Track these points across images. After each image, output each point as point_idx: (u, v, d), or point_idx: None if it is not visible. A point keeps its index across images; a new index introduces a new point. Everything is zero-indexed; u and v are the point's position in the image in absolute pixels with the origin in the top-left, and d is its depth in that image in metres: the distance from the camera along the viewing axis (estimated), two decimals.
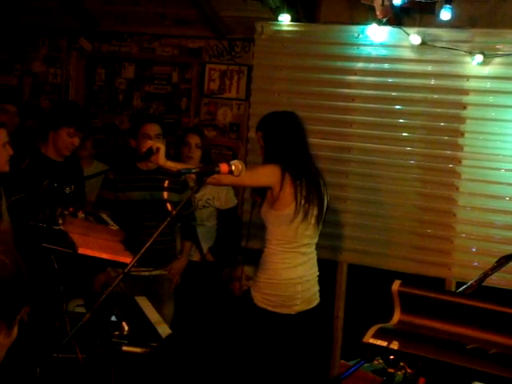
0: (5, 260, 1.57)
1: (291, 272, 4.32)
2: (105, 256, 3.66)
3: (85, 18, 6.49)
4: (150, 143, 4.16)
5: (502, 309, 2.19)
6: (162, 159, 4.05)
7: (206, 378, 4.40)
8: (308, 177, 4.28)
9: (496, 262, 2.86)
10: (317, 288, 4.47)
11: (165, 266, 5.11)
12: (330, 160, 5.48)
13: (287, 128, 4.39)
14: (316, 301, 4.46)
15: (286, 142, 4.33)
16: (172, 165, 4.05)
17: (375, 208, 5.34)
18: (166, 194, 3.46)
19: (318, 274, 4.48)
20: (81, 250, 3.57)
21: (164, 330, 3.52)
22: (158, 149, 3.99)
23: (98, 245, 3.73)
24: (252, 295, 4.37)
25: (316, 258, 4.46)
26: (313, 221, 4.30)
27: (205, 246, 5.46)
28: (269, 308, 4.35)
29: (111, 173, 5.04)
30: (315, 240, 4.43)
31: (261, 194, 4.38)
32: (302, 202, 4.23)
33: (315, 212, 4.30)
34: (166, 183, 3.58)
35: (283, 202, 4.26)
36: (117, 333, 3.30)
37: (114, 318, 3.45)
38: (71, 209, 3.93)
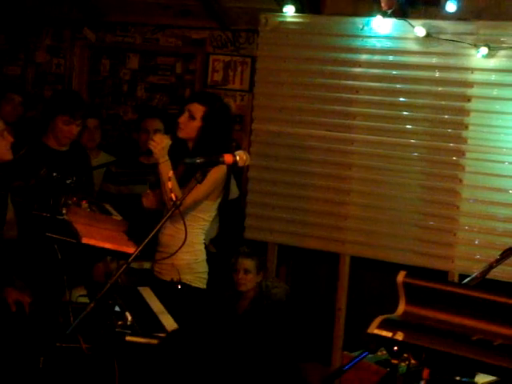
0: None
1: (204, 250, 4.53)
2: (108, 246, 3.66)
3: (89, 8, 6.48)
4: (149, 142, 4.22)
5: (507, 300, 2.19)
6: (158, 155, 4.16)
7: (209, 370, 4.41)
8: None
9: (500, 254, 2.85)
10: None
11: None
12: (333, 152, 5.48)
13: (229, 118, 4.54)
14: None
15: (227, 131, 4.45)
16: (166, 168, 4.11)
17: (378, 200, 5.34)
18: (170, 184, 3.47)
19: None
20: (84, 240, 3.58)
21: (167, 320, 3.52)
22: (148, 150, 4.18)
23: (101, 235, 3.74)
24: (184, 279, 4.34)
25: None
26: None
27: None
28: (203, 287, 4.44)
29: (113, 166, 5.06)
30: None
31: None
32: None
33: None
34: (170, 173, 3.58)
35: (218, 193, 4.39)
36: (120, 323, 3.30)
37: (117, 308, 3.45)
38: (75, 199, 3.94)
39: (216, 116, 4.37)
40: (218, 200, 4.47)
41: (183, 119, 4.37)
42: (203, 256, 4.51)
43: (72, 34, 6.67)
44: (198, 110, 4.34)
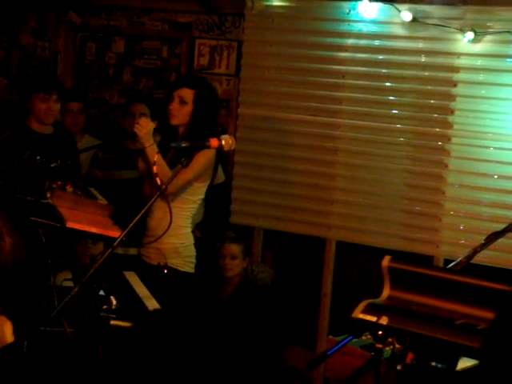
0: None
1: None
2: (93, 230, 3.65)
3: None
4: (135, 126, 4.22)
5: (490, 284, 2.20)
6: (144, 139, 4.18)
7: (192, 353, 4.41)
8: None
9: (485, 239, 2.86)
10: None
11: None
12: (318, 137, 5.47)
13: (217, 99, 4.65)
14: None
15: (215, 114, 4.54)
16: (152, 152, 4.12)
17: (364, 185, 5.34)
18: (155, 169, 3.46)
19: None
20: (69, 224, 3.57)
21: (152, 304, 3.52)
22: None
23: (86, 219, 3.72)
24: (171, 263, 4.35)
25: None
26: None
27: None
28: (191, 271, 4.46)
29: (100, 152, 5.05)
30: None
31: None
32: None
33: None
34: (156, 157, 3.57)
35: (206, 176, 4.44)
36: (105, 307, 3.30)
37: (102, 292, 3.44)
38: (59, 182, 3.91)
39: (206, 97, 4.42)
40: (207, 182, 4.49)
41: (175, 105, 4.39)
42: (191, 240, 4.53)
43: (57, 17, 6.61)
44: (188, 94, 4.38)
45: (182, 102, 4.38)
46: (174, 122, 4.41)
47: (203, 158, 4.26)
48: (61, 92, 4.79)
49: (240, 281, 5.25)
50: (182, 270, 4.41)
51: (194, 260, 4.50)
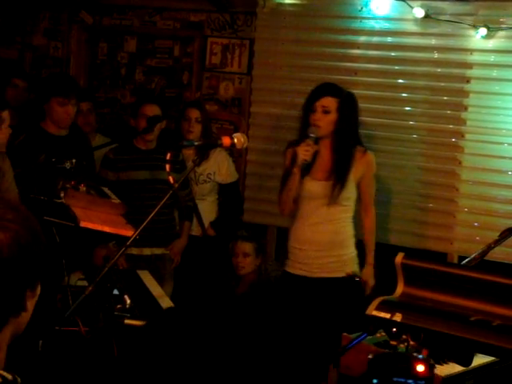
0: (17, 229, 1.55)
1: None
2: (106, 229, 3.66)
3: None
4: None
5: (505, 281, 2.18)
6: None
7: (205, 351, 4.41)
8: None
9: (499, 235, 2.85)
10: None
11: (166, 245, 5.12)
12: None
13: (357, 103, 4.54)
14: None
15: (358, 121, 4.53)
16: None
17: (378, 182, 5.31)
18: (168, 167, 3.46)
19: None
20: (83, 224, 3.58)
21: (166, 303, 3.52)
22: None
23: (99, 218, 3.73)
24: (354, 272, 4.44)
25: None
26: None
27: (206, 221, 5.45)
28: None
29: (111, 152, 5.06)
30: None
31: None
32: None
33: None
34: (169, 156, 3.57)
35: None
36: (119, 306, 3.30)
37: (116, 292, 3.45)
38: (73, 182, 3.93)
39: (349, 105, 4.44)
40: None
41: (318, 116, 4.38)
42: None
43: (69, 17, 6.62)
44: (331, 103, 4.39)
45: (325, 111, 4.38)
46: (321, 133, 4.40)
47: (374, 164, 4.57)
48: (78, 96, 4.80)
49: (253, 279, 5.25)
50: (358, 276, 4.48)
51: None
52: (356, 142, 4.49)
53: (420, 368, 2.10)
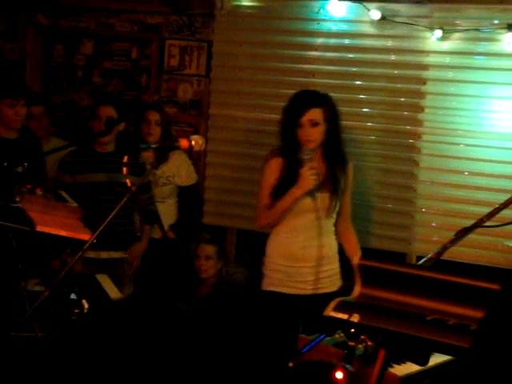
0: None
1: None
2: (63, 233, 3.62)
3: None
4: None
5: (460, 280, 2.21)
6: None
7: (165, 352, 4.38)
8: None
9: (455, 234, 2.87)
10: None
11: (125, 249, 5.10)
12: None
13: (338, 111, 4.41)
14: None
15: (341, 130, 4.41)
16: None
17: None
18: (125, 170, 3.44)
19: None
20: (39, 228, 3.54)
21: None
22: None
23: (56, 222, 3.69)
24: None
25: None
26: None
27: (166, 224, 5.43)
28: None
29: (68, 155, 5.03)
30: None
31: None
32: None
33: None
34: (126, 158, 3.54)
35: None
36: (77, 311, 3.27)
37: (73, 296, 3.42)
38: (29, 186, 3.88)
39: (333, 109, 4.30)
40: None
41: (309, 132, 4.16)
42: None
43: (25, 20, 6.55)
44: (318, 114, 4.20)
45: (314, 124, 4.18)
46: (313, 145, 4.20)
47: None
48: (27, 97, 4.75)
49: (215, 282, 5.24)
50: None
51: None
52: (344, 145, 4.40)
53: (339, 375, 2.12)
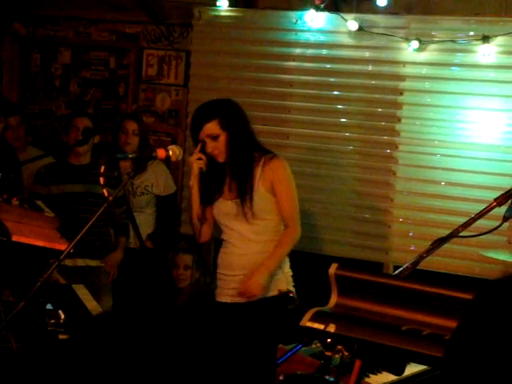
0: None
1: None
2: (40, 243, 3.59)
3: (19, 2, 6.36)
4: None
5: (435, 290, 2.22)
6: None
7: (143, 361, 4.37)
8: None
9: (431, 244, 2.89)
10: None
11: (101, 258, 5.08)
12: (268, 146, 5.42)
13: (244, 116, 4.15)
14: None
15: (248, 131, 4.12)
16: None
17: (313, 193, 5.37)
18: (102, 180, 3.43)
19: None
20: (15, 238, 3.51)
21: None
22: None
23: (32, 232, 3.66)
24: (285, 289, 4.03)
25: None
26: None
27: (144, 233, 5.42)
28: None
29: (43, 168, 5.02)
30: None
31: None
32: None
33: None
34: (102, 169, 3.53)
35: None
36: (53, 321, 3.25)
37: (49, 306, 3.40)
38: (5, 195, 3.86)
39: (229, 115, 4.04)
40: None
41: (210, 146, 3.98)
42: None
43: (1, 28, 6.52)
44: (213, 127, 3.97)
45: (213, 138, 3.97)
46: (222, 159, 4.02)
47: (287, 170, 4.15)
48: (3, 107, 4.73)
49: (191, 290, 5.23)
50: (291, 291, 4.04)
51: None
52: (255, 149, 4.12)
53: None
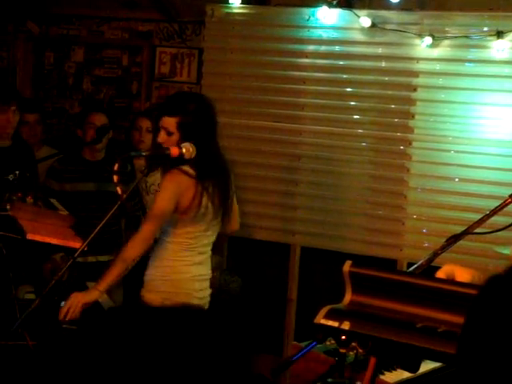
0: None
1: (189, 269, 4.00)
2: (54, 241, 3.62)
3: (32, 0, 6.38)
4: None
5: (450, 287, 2.21)
6: None
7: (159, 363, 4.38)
8: (215, 176, 3.93)
9: (445, 241, 2.88)
10: (209, 291, 4.16)
11: (112, 253, 5.08)
12: (281, 143, 5.48)
13: (206, 117, 3.93)
14: (208, 304, 4.14)
15: (204, 135, 3.87)
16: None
17: (327, 190, 5.37)
18: (116, 178, 3.43)
19: (211, 275, 4.17)
20: (30, 236, 3.53)
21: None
22: None
23: (47, 230, 3.69)
24: (144, 296, 4.02)
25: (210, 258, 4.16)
26: (215, 222, 4.00)
27: None
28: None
29: (57, 163, 5.01)
30: (213, 239, 4.09)
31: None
32: (209, 204, 3.89)
33: (220, 213, 4.00)
34: (116, 166, 3.53)
35: (186, 206, 3.87)
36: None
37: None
38: (20, 194, 3.88)
39: (193, 124, 3.84)
40: (191, 215, 3.87)
41: (163, 137, 3.81)
42: (174, 275, 4.01)
43: (15, 27, 6.55)
44: (169, 123, 3.80)
45: (168, 133, 3.80)
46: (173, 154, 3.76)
47: (168, 183, 3.78)
48: (19, 103, 4.74)
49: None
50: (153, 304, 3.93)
51: (171, 297, 3.95)
52: (216, 155, 3.97)
53: None
